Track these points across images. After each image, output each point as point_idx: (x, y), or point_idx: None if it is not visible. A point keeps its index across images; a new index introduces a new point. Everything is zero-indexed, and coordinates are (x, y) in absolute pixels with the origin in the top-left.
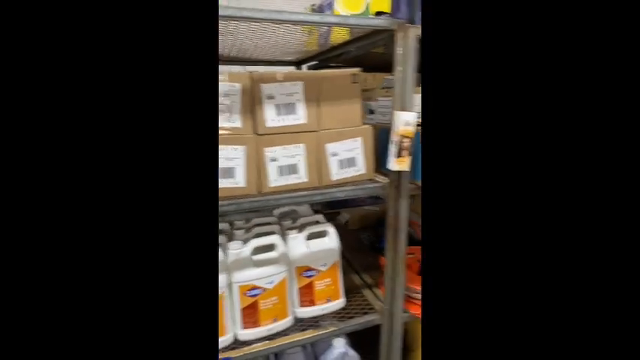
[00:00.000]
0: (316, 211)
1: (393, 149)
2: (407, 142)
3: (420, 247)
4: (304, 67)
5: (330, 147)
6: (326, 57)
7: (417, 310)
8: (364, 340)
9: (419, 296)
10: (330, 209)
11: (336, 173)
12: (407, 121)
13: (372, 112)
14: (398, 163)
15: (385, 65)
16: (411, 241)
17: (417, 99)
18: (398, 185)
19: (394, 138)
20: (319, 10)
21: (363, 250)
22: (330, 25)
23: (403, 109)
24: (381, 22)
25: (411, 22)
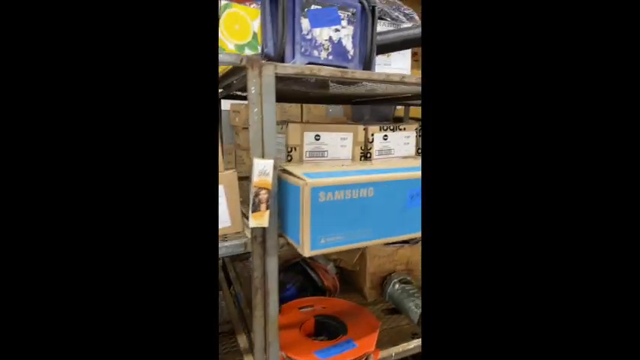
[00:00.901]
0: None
1: (250, 202)
2: (264, 195)
3: (321, 297)
4: None
5: None
6: (224, 85)
7: None
8: None
9: None
10: None
11: None
12: (263, 170)
13: None
14: (255, 219)
15: (287, 97)
16: (315, 288)
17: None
18: (263, 241)
19: (252, 190)
20: None
21: None
22: None
23: (261, 156)
24: (225, 58)
25: (280, 58)
